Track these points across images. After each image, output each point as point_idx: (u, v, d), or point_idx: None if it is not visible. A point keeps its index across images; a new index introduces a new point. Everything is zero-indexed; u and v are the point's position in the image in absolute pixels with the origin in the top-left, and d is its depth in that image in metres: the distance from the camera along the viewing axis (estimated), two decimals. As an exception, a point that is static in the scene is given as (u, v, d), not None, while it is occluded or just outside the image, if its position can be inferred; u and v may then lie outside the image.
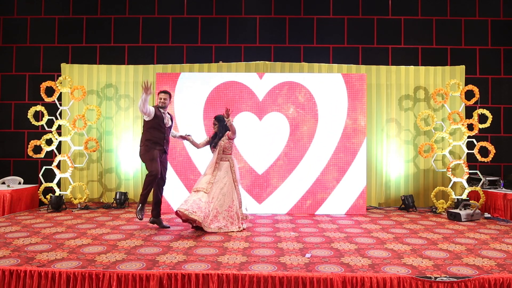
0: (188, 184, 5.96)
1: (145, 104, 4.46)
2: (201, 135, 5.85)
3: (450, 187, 6.25)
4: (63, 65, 6.90)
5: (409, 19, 7.18)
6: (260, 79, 6.15)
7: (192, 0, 7.23)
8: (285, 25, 7.21)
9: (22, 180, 6.65)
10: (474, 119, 6.28)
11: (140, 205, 4.60)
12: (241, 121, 6.05)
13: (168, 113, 4.85)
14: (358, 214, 5.90)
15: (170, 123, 4.83)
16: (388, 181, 6.77)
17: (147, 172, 4.62)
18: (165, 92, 4.80)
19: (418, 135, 6.79)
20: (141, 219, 4.60)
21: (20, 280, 3.11)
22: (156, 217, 4.81)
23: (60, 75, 6.83)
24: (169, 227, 4.81)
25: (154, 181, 4.62)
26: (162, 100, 4.73)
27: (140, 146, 4.71)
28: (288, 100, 6.09)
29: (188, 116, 6.12)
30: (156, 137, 4.66)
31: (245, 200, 5.14)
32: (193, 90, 6.13)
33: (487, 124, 6.26)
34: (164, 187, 4.92)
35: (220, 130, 4.86)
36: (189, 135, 5.07)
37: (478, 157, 6.21)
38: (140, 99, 4.45)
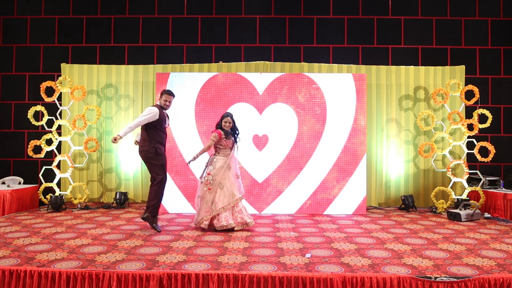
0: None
1: (134, 128, 4.43)
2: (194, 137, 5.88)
3: (450, 187, 6.25)
4: (63, 65, 6.90)
5: (409, 19, 7.18)
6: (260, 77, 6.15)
7: (192, 0, 7.22)
8: (285, 25, 7.21)
9: (22, 180, 6.65)
10: (474, 119, 6.28)
11: (154, 217, 4.53)
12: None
13: (166, 113, 4.76)
14: (358, 214, 5.91)
15: (168, 122, 4.80)
16: (388, 181, 6.77)
17: (154, 175, 4.51)
18: (170, 94, 4.67)
19: (418, 135, 6.79)
20: (160, 231, 4.54)
21: (20, 280, 3.11)
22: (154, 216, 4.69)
23: (60, 75, 6.83)
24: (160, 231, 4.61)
25: (164, 188, 4.59)
26: (167, 103, 4.63)
27: (146, 146, 4.49)
28: (288, 101, 6.09)
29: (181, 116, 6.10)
30: (161, 138, 4.61)
31: None
32: (187, 89, 6.12)
33: (487, 124, 6.26)
34: None
35: (234, 128, 4.87)
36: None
37: (478, 157, 6.20)
38: (124, 131, 4.35)
